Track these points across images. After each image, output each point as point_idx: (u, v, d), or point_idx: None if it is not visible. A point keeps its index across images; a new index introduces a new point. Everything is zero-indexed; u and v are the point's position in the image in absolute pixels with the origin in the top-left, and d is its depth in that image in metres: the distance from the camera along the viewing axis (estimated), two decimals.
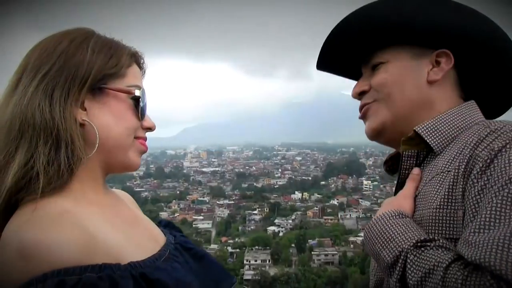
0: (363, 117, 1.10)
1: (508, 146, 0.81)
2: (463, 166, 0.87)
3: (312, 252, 58.90)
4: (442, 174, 0.91)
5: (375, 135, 1.09)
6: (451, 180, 0.88)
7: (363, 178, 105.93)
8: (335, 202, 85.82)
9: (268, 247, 59.72)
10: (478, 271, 0.71)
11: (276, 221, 75.40)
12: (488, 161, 0.82)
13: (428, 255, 0.79)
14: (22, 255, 0.66)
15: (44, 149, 0.77)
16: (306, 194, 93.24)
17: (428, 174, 0.97)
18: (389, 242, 0.86)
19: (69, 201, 0.78)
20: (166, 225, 1.06)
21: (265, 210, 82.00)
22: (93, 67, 0.83)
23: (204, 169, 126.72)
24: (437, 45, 1.00)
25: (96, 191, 0.87)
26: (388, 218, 0.90)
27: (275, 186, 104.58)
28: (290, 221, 74.30)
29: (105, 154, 0.86)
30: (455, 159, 0.91)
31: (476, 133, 0.90)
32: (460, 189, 0.85)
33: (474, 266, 0.72)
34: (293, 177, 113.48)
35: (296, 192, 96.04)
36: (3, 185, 0.77)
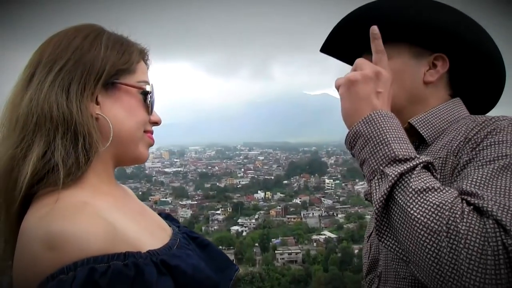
0: None
1: (497, 129, 0.90)
2: (453, 148, 0.96)
3: (276, 251, 59.02)
4: (436, 160, 0.99)
5: None
6: (442, 161, 0.97)
7: (325, 177, 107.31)
8: (297, 201, 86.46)
9: (231, 247, 59.32)
10: (481, 213, 0.75)
11: (239, 220, 75.15)
12: (479, 140, 0.91)
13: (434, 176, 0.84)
14: (50, 245, 0.67)
15: (62, 141, 0.79)
16: (269, 194, 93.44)
17: None
18: (403, 141, 0.87)
19: (87, 193, 0.80)
20: (166, 217, 1.08)
21: (228, 210, 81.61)
22: (107, 63, 0.86)
23: (166, 170, 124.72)
24: (435, 49, 1.08)
25: (109, 183, 0.90)
26: (394, 121, 0.91)
27: (238, 186, 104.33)
28: (254, 221, 74.28)
29: (117, 147, 0.88)
30: (445, 148, 1.00)
31: (465, 126, 1.00)
32: (449, 168, 0.95)
33: (475, 208, 0.76)
34: (256, 176, 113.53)
35: (259, 192, 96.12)
36: (22, 177, 0.77)
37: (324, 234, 65.36)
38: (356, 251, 51.76)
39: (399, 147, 0.85)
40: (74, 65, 0.83)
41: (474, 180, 0.81)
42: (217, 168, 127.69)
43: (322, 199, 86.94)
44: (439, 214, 0.74)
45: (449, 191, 0.78)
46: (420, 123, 1.08)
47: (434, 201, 0.76)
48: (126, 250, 0.72)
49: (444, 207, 0.75)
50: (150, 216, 0.99)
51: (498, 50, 1.11)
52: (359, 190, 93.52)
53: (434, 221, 0.74)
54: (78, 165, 0.79)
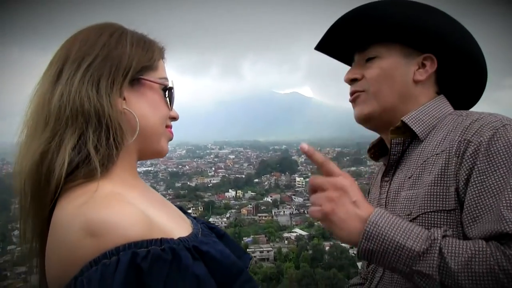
0: (353, 101, 1.24)
1: (497, 135, 0.96)
2: (454, 149, 1.01)
3: (248, 249, 59.09)
4: (433, 157, 1.06)
5: (363, 121, 1.24)
6: (444, 161, 1.02)
7: (296, 175, 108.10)
8: (268, 199, 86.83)
9: None
10: None
11: (211, 219, 74.70)
12: (484, 145, 0.96)
13: (459, 242, 0.89)
14: (91, 232, 0.70)
15: (94, 134, 0.81)
16: (240, 192, 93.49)
17: (417, 158, 1.12)
18: (411, 233, 0.90)
19: (117, 184, 0.84)
20: (180, 209, 1.10)
21: (200, 209, 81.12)
22: (134, 59, 0.89)
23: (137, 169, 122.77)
24: (424, 49, 1.16)
25: (134, 176, 0.93)
26: (387, 216, 0.94)
27: (209, 185, 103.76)
28: (225, 219, 74.11)
29: (141, 141, 0.91)
30: (441, 143, 1.06)
31: (454, 121, 1.09)
32: (453, 168, 0.99)
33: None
34: (227, 175, 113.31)
35: (230, 190, 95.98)
36: (58, 169, 0.79)
37: (295, 232, 65.95)
38: (327, 248, 52.50)
39: (412, 241, 0.88)
40: (103, 61, 0.86)
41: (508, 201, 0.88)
42: (187, 167, 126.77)
43: (293, 197, 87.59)
44: (491, 278, 0.83)
45: (484, 250, 0.85)
46: (412, 120, 1.14)
47: (479, 270, 0.84)
48: (161, 236, 0.75)
49: (492, 269, 0.83)
50: (171, 207, 1.03)
51: (481, 52, 1.19)
52: None
53: (491, 284, 0.83)
54: (109, 157, 0.83)
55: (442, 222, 1.00)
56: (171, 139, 1.00)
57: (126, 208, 0.74)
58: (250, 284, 0.86)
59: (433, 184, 1.02)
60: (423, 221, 1.02)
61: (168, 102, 0.97)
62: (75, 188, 0.80)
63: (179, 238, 0.80)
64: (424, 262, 0.86)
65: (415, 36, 1.14)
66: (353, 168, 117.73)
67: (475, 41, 1.19)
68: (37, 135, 0.83)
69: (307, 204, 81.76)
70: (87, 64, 0.85)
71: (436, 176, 1.02)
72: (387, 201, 1.18)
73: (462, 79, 1.22)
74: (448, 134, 1.07)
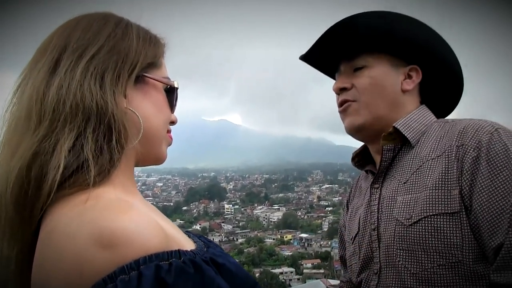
0: (344, 111, 1.25)
1: (493, 139, 1.01)
2: (453, 153, 1.05)
3: None
4: (428, 162, 1.10)
5: (354, 132, 1.25)
6: (444, 165, 1.05)
7: (225, 202, 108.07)
8: (197, 227, 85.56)
9: None
10: None
11: None
12: (484, 150, 1.00)
13: None
14: (103, 243, 0.60)
15: (93, 135, 0.72)
16: None
17: (410, 163, 1.15)
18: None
19: (119, 191, 0.74)
20: None
21: None
22: (141, 54, 0.80)
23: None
24: (410, 61, 1.21)
25: (133, 181, 0.83)
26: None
27: None
28: None
29: (142, 145, 0.81)
30: (436, 149, 1.10)
31: (442, 128, 1.14)
32: (455, 172, 1.03)
33: None
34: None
35: None
36: (51, 174, 0.68)
37: None
38: (257, 274, 52.52)
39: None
40: (108, 53, 0.77)
41: None
42: None
43: (222, 224, 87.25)
44: None
45: None
46: (404, 126, 1.17)
47: None
48: (177, 248, 0.67)
49: None
50: (167, 218, 0.94)
51: (459, 65, 1.26)
52: (258, 214, 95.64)
53: None
54: (111, 161, 0.73)
55: (445, 225, 1.01)
56: (170, 144, 0.92)
57: (142, 216, 0.65)
58: None
59: (434, 188, 1.04)
60: (425, 224, 1.03)
61: (171, 105, 0.88)
62: (73, 194, 0.69)
63: (191, 250, 0.71)
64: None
65: (403, 46, 1.18)
66: (281, 195, 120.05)
67: (453, 54, 1.25)
68: (28, 133, 0.72)
69: (236, 231, 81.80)
70: (91, 55, 0.75)
71: (437, 180, 1.05)
72: (380, 207, 1.18)
73: (442, 89, 1.27)
74: (441, 139, 1.11)
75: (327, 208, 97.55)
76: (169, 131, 0.90)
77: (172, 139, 0.92)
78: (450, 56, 1.24)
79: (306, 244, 72.79)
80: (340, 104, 1.25)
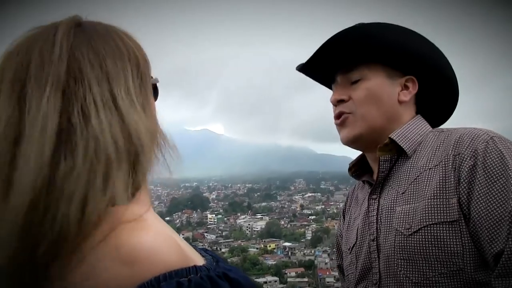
0: (341, 124, 1.25)
1: (489, 147, 1.03)
2: (450, 163, 1.06)
3: None
4: (426, 172, 1.11)
5: (350, 142, 1.26)
6: (441, 174, 1.07)
7: (208, 212, 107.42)
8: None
9: None
10: None
11: None
12: (480, 158, 1.02)
13: None
14: (125, 260, 0.60)
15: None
16: None
17: (407, 174, 1.16)
18: None
19: (136, 205, 0.70)
20: None
21: None
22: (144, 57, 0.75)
23: None
24: (406, 71, 1.22)
25: (146, 190, 0.80)
26: None
27: None
28: None
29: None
30: (432, 159, 1.12)
31: (437, 138, 1.16)
32: (452, 181, 1.04)
33: None
34: None
35: None
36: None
37: None
38: None
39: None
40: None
41: None
42: None
43: (205, 234, 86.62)
44: None
45: None
46: (400, 137, 1.18)
47: None
48: (193, 263, 0.65)
49: None
50: None
51: (455, 75, 1.28)
52: (241, 224, 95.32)
53: None
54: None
55: (445, 234, 1.03)
56: None
57: (160, 232, 0.65)
58: None
59: (432, 197, 1.06)
60: (425, 234, 1.04)
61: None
62: None
63: (204, 265, 0.69)
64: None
65: (399, 57, 1.19)
66: (264, 204, 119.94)
67: (449, 62, 1.27)
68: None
69: (219, 241, 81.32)
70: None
71: (435, 189, 1.06)
72: (379, 218, 1.19)
73: (438, 99, 1.29)
74: (437, 149, 1.13)
75: (310, 217, 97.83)
76: None
77: None
78: (446, 66, 1.25)
79: (289, 253, 72.77)
80: (337, 116, 1.26)
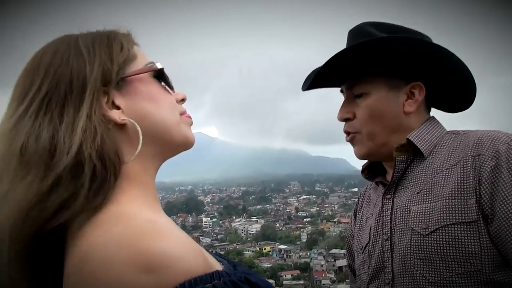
0: (350, 142, 1.27)
1: (511, 149, 1.03)
2: (469, 163, 1.07)
3: None
4: (442, 172, 1.11)
5: (363, 158, 1.29)
6: (459, 175, 1.07)
7: (202, 215, 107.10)
8: None
9: None
10: None
11: None
12: (504, 159, 1.02)
13: None
14: (146, 268, 0.57)
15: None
16: None
17: (423, 174, 1.16)
18: None
19: (142, 206, 0.72)
20: None
21: None
22: (100, 62, 0.73)
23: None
24: (411, 78, 1.19)
25: (154, 193, 0.80)
26: None
27: None
28: None
29: (158, 143, 0.78)
30: (449, 159, 1.12)
31: (454, 139, 1.17)
32: (471, 182, 1.05)
33: None
34: None
35: None
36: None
37: None
38: None
39: None
40: (55, 85, 0.70)
41: None
42: None
43: (201, 237, 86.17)
44: None
45: None
46: (417, 138, 1.18)
47: None
48: (216, 269, 0.64)
49: None
50: None
51: (463, 64, 1.20)
52: (236, 227, 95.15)
53: None
54: (106, 183, 0.68)
55: (463, 234, 1.03)
56: (191, 124, 0.87)
57: (181, 238, 0.63)
58: None
59: (450, 197, 1.06)
60: (443, 234, 1.05)
61: (167, 87, 0.83)
62: (92, 220, 0.65)
63: (224, 271, 0.67)
64: None
65: (399, 66, 1.17)
66: (259, 207, 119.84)
67: (453, 54, 1.19)
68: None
69: (215, 244, 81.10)
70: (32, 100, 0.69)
71: (453, 189, 1.06)
72: (394, 217, 1.19)
73: (451, 96, 1.28)
74: (454, 150, 1.13)
75: (305, 219, 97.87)
76: (184, 112, 0.85)
77: (190, 117, 0.87)
78: (450, 59, 1.19)
79: (285, 256, 72.65)
80: (346, 133, 1.27)
